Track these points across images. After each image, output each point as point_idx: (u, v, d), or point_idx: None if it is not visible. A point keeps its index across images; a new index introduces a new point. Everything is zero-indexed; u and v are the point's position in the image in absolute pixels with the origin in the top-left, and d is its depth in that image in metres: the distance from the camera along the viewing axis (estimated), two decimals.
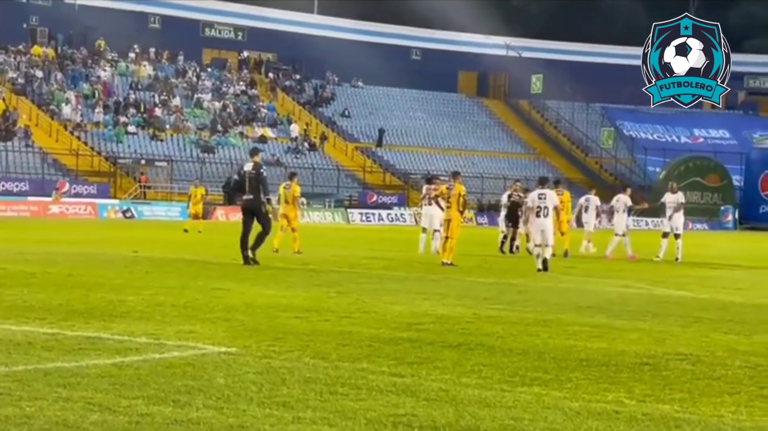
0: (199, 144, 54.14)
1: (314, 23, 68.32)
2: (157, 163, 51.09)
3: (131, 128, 53.61)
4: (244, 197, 16.36)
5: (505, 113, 72.06)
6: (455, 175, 18.84)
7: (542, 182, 18.02)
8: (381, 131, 61.67)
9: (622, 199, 22.48)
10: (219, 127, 56.35)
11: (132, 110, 55.26)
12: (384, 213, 50.96)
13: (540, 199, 17.15)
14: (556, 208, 17.47)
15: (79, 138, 51.01)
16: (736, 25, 65.80)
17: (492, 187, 55.96)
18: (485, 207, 53.40)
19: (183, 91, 59.15)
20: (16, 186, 45.08)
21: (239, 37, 67.29)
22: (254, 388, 5.89)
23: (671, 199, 21.92)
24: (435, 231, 21.04)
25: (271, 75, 65.34)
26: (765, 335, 9.05)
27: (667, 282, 15.47)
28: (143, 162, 50.68)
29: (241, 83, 62.84)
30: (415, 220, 44.15)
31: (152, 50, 62.01)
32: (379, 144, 61.40)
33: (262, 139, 56.17)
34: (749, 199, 62.63)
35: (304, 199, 21.12)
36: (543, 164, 64.39)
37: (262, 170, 16.36)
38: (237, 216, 44.94)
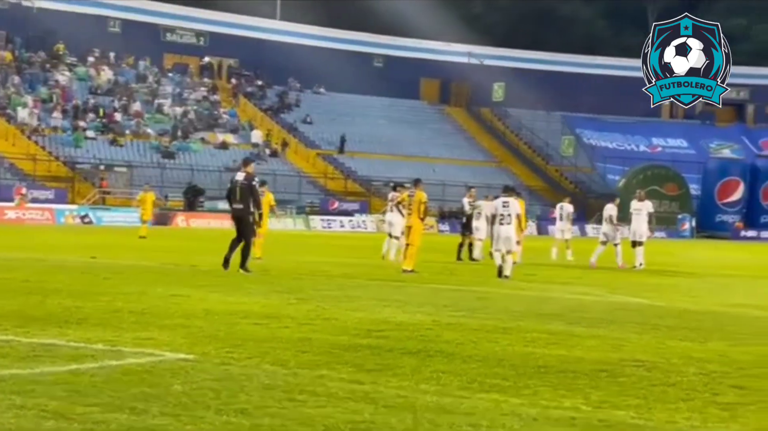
0: (160, 149, 53.70)
1: (276, 29, 68.12)
2: (116, 169, 50.57)
3: (90, 133, 53.01)
4: (234, 206, 16.33)
5: (467, 121, 72.38)
6: (417, 182, 18.90)
7: (506, 191, 18.24)
8: (343, 138, 61.62)
9: (609, 209, 22.75)
10: (179, 133, 55.93)
11: (91, 115, 54.66)
12: (345, 220, 50.91)
13: (504, 206, 17.46)
14: (518, 216, 17.76)
15: (36, 143, 50.35)
16: None
17: (454, 195, 56.10)
18: (447, 214, 53.57)
19: (143, 96, 58.64)
20: None
21: (201, 42, 66.88)
22: (212, 395, 5.85)
23: (637, 206, 22.22)
24: (395, 238, 21.08)
25: (233, 80, 65.04)
26: (719, 342, 9.18)
27: (625, 289, 15.64)
28: (102, 167, 50.15)
29: (203, 89, 62.46)
30: (377, 227, 44.14)
31: (112, 54, 61.40)
32: (341, 151, 61.35)
33: (224, 145, 55.87)
34: (706, 208, 63.59)
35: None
36: (504, 172, 64.72)
37: (254, 182, 16.33)
38: (197, 222, 45.00)
